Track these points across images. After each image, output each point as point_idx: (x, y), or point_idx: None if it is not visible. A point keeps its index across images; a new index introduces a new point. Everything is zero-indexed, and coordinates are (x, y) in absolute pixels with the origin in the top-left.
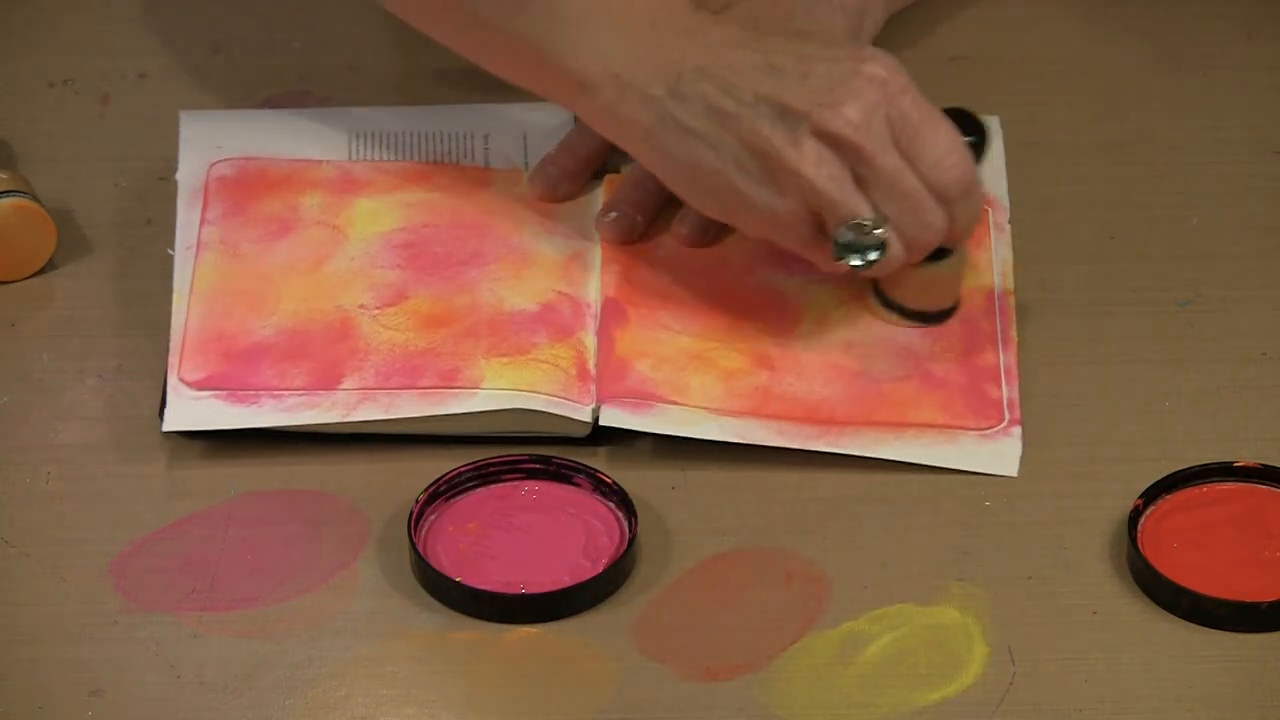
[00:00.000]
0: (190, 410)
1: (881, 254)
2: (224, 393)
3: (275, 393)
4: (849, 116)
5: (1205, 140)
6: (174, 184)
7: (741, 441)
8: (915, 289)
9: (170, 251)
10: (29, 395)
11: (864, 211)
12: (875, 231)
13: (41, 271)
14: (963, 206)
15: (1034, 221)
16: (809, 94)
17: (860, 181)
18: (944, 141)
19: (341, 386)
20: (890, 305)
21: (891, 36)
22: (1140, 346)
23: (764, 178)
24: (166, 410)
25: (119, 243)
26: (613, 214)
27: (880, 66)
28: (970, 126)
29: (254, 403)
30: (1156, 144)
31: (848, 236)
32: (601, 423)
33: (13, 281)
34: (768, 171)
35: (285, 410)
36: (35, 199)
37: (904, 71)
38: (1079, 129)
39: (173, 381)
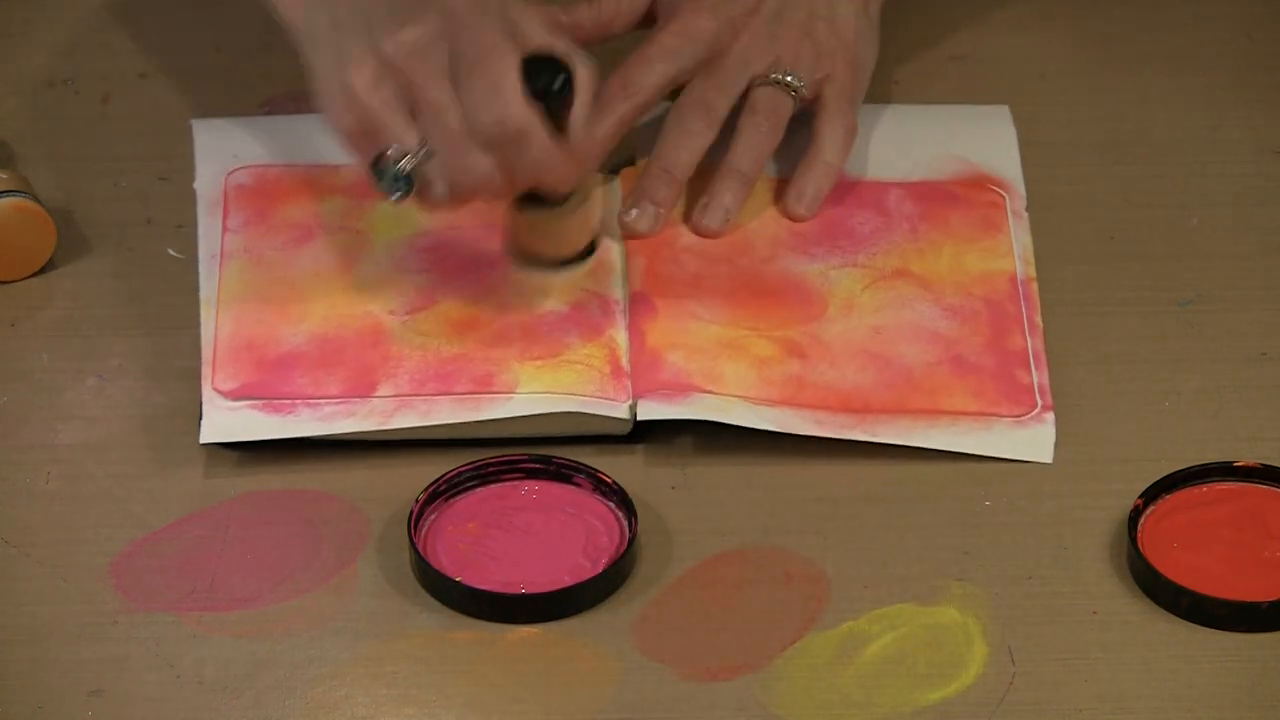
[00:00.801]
0: (227, 421)
1: (409, 188)
2: (260, 402)
3: (311, 401)
4: (402, 39)
5: (1205, 140)
6: (175, 184)
7: (780, 430)
8: (522, 232)
9: (171, 252)
10: (29, 395)
11: (406, 141)
12: (399, 162)
13: (41, 271)
14: (512, 153)
15: (1034, 221)
16: (389, 13)
17: (415, 113)
18: (491, 84)
19: (377, 394)
20: (506, 248)
21: (892, 36)
22: (1140, 346)
23: (340, 90)
24: (203, 421)
25: (119, 243)
26: (634, 210)
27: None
28: (555, 75)
29: (290, 412)
30: (1156, 144)
31: (381, 163)
32: (640, 416)
33: (13, 281)
34: (341, 85)
35: (322, 419)
36: (35, 199)
37: (491, 10)
38: (1079, 129)
39: (207, 392)
